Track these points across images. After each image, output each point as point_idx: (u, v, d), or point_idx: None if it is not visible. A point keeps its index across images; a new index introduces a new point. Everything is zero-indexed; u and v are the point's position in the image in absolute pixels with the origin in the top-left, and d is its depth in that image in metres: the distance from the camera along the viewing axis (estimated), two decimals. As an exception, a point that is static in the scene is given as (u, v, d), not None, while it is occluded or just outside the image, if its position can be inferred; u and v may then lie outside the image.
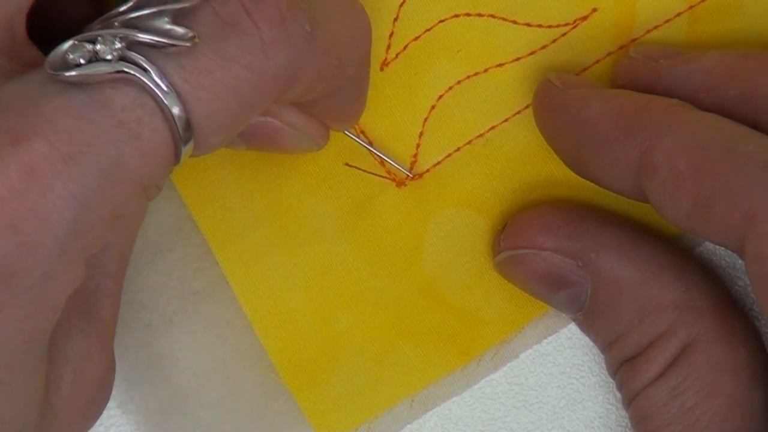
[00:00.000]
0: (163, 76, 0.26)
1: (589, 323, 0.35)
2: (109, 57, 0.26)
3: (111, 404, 0.37)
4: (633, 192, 0.32)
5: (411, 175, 0.37)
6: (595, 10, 0.36)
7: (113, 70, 0.26)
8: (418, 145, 0.37)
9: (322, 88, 0.30)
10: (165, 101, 0.26)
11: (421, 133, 0.37)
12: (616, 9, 0.36)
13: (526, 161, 0.37)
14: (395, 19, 0.36)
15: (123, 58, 0.26)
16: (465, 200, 0.37)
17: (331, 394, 0.37)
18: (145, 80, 0.26)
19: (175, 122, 0.26)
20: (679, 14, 0.36)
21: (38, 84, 0.26)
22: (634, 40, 0.36)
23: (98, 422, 0.37)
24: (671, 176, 0.30)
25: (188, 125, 0.26)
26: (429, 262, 0.37)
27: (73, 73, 0.26)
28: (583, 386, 0.38)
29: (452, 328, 0.37)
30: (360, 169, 0.37)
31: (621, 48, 0.36)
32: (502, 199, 0.37)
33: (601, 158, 0.32)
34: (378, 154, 0.36)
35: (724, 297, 0.34)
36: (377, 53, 0.36)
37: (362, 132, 0.37)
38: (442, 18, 0.36)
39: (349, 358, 0.37)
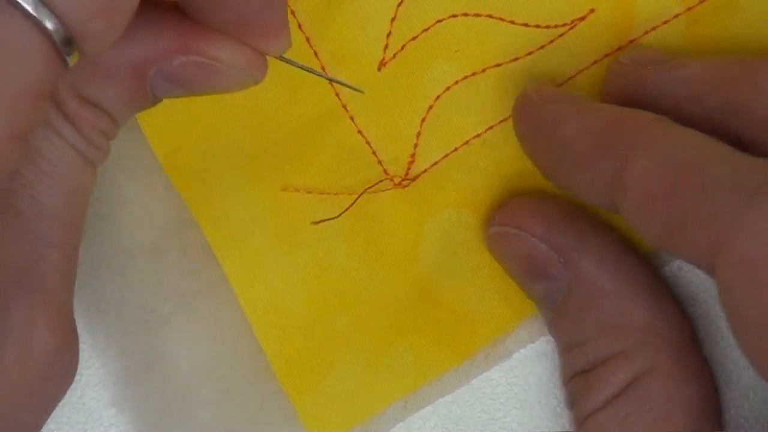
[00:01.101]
0: None
1: (556, 322, 0.35)
2: None
3: (108, 404, 0.37)
4: (610, 208, 0.32)
5: (361, 91, 0.36)
6: (592, 10, 0.36)
7: None
8: (415, 146, 0.37)
9: None
10: None
11: (419, 134, 0.37)
12: (613, 10, 0.36)
13: (524, 162, 0.37)
14: (393, 19, 0.36)
15: None
16: (462, 201, 0.37)
17: (326, 395, 0.37)
18: None
19: (36, 17, 0.25)
20: (677, 16, 0.36)
21: None
22: (632, 41, 0.36)
23: (96, 422, 0.37)
24: (643, 197, 0.30)
25: (56, 17, 0.25)
26: (426, 262, 0.37)
27: None
28: (583, 386, 0.38)
29: (446, 328, 0.37)
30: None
31: (619, 49, 0.36)
32: (500, 200, 0.37)
33: (577, 176, 0.32)
34: (326, 77, 0.36)
35: (688, 330, 0.34)
36: (375, 53, 0.36)
37: (352, 117, 0.37)
38: (440, 18, 0.36)
39: (344, 359, 0.37)
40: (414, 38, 0.36)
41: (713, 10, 0.36)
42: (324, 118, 0.37)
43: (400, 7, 0.36)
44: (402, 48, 0.36)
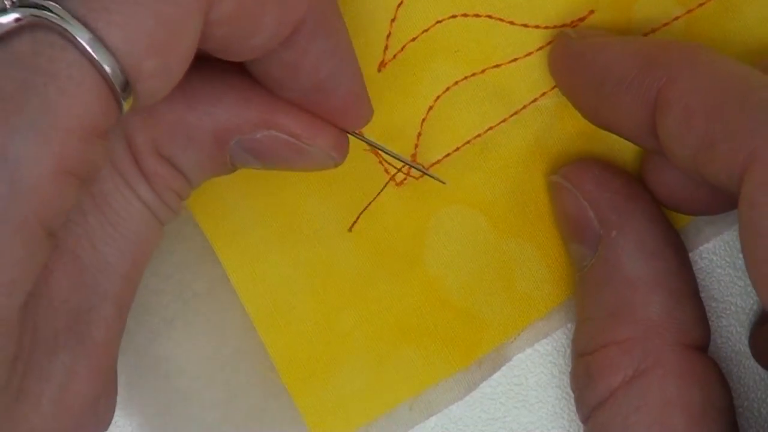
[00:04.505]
0: (64, 9, 0.25)
1: (577, 288, 0.35)
2: (1, 7, 0.25)
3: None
4: (646, 136, 0.32)
5: (444, 182, 0.36)
6: (592, 11, 0.36)
7: (12, 17, 0.25)
8: (416, 146, 0.37)
9: (271, 20, 0.29)
10: (71, 32, 0.25)
11: (420, 134, 0.37)
12: (613, 11, 0.36)
13: (525, 161, 0.37)
14: (393, 20, 0.36)
15: (22, 5, 0.25)
16: (465, 199, 0.37)
17: (330, 395, 0.37)
18: (46, 18, 0.25)
19: (90, 52, 0.25)
20: (676, 18, 0.36)
21: None
22: (631, 43, 0.36)
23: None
24: (684, 113, 0.30)
25: (109, 54, 0.26)
26: (430, 261, 0.37)
27: None
28: (583, 386, 0.38)
29: (453, 329, 0.37)
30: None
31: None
32: (502, 198, 0.37)
33: (619, 98, 0.32)
34: (396, 156, 0.36)
35: (703, 335, 0.34)
36: (375, 54, 0.36)
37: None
38: (440, 19, 0.36)
39: (350, 359, 0.37)
40: (414, 39, 0.36)
41: (712, 13, 0.36)
42: (325, 119, 0.37)
43: (399, 8, 0.36)
44: (402, 49, 0.36)
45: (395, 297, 0.37)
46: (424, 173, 0.36)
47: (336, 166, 0.34)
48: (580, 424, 0.37)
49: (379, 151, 0.36)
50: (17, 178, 0.25)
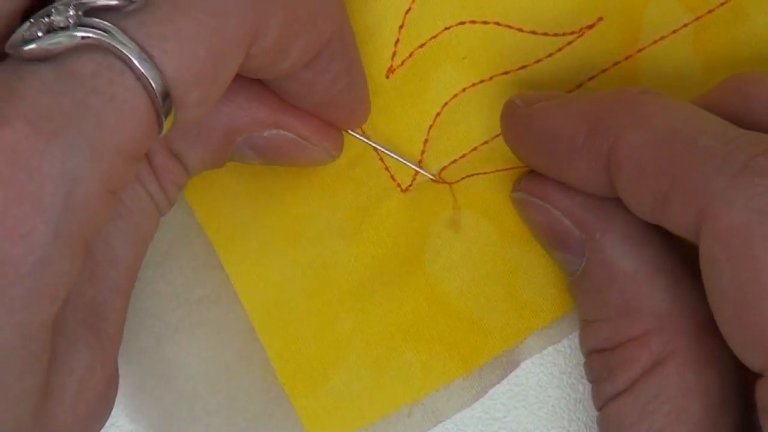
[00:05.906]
0: (124, 33, 0.26)
1: (574, 294, 0.35)
2: (64, 25, 0.26)
3: (117, 411, 0.37)
4: (608, 192, 0.32)
5: (433, 177, 0.37)
6: (601, 19, 0.36)
7: (72, 36, 0.26)
8: (422, 152, 0.37)
9: (300, 47, 0.30)
10: (130, 57, 0.26)
11: (426, 140, 0.37)
12: (622, 18, 0.36)
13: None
14: (401, 27, 0.36)
15: (81, 25, 0.26)
16: (469, 204, 0.37)
17: (329, 398, 0.37)
18: (106, 41, 0.26)
19: (146, 77, 0.26)
20: (685, 25, 0.36)
21: (11, 67, 0.26)
22: (640, 50, 0.36)
23: (107, 429, 0.37)
24: (634, 171, 0.30)
25: (162, 81, 0.26)
26: (432, 265, 0.37)
27: (32, 46, 0.26)
28: (583, 386, 0.38)
29: (455, 335, 0.37)
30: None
31: (627, 58, 0.36)
32: (507, 204, 0.37)
33: (573, 163, 0.32)
34: (397, 158, 0.36)
35: (708, 316, 0.33)
36: (383, 60, 0.36)
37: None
38: (448, 25, 0.36)
39: (349, 362, 0.37)
40: (422, 45, 0.36)
41: (721, 20, 0.36)
42: (331, 125, 0.37)
43: (407, 14, 0.36)
44: (410, 55, 0.36)
45: (396, 301, 0.37)
46: (418, 170, 0.37)
47: (333, 161, 0.35)
48: (580, 424, 0.38)
49: (383, 155, 0.37)
50: (71, 193, 0.25)
